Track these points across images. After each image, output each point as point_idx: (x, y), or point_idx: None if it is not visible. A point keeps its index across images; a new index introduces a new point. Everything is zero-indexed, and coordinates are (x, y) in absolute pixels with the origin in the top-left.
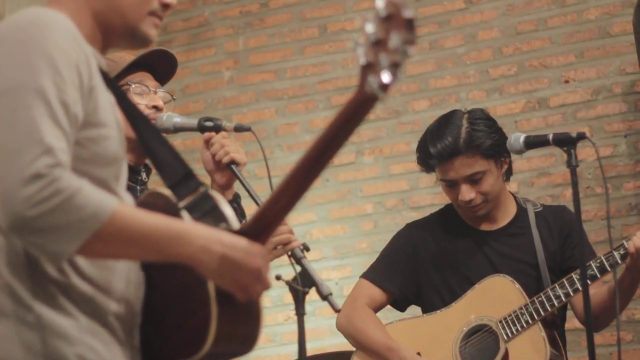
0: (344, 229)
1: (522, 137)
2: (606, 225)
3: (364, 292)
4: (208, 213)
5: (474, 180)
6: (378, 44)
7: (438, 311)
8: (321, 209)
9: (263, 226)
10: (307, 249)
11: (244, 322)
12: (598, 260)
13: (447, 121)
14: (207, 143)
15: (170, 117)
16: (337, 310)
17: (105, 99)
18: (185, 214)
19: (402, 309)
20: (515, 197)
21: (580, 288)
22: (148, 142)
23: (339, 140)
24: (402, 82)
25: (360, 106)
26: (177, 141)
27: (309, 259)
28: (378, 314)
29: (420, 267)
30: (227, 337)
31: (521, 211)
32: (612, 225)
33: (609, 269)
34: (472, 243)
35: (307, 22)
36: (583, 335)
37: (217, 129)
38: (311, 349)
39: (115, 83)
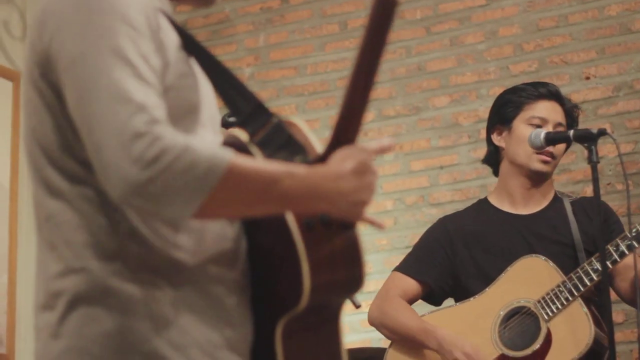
0: (364, 225)
1: (542, 134)
2: (627, 222)
3: (397, 284)
4: (283, 147)
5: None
6: None
7: (471, 298)
8: None
9: (341, 147)
10: None
11: (343, 264)
12: (634, 230)
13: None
14: None
15: None
16: (357, 306)
17: (174, 45)
18: (255, 149)
19: (437, 302)
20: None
21: (618, 259)
22: (213, 78)
23: (374, 58)
24: (422, 78)
25: (380, 10)
26: None
27: None
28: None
29: (455, 257)
30: (326, 285)
31: (557, 198)
32: (633, 222)
33: None
34: (508, 227)
35: (327, 18)
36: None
37: (228, 125)
38: None
39: (179, 26)
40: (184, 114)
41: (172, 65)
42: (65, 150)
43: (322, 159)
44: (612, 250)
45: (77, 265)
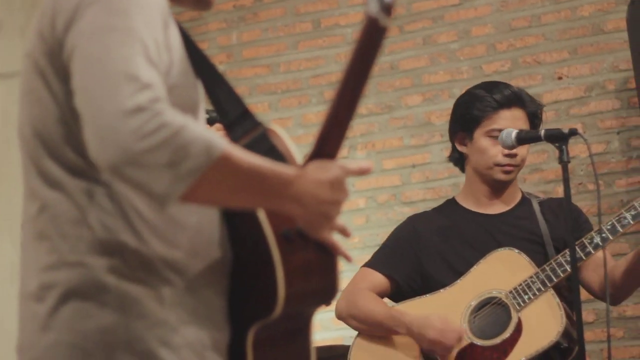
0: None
1: (514, 133)
2: (597, 222)
3: (366, 279)
4: (265, 155)
5: None
6: None
7: (442, 290)
8: None
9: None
10: None
11: (318, 274)
12: (609, 223)
13: (501, 82)
14: None
15: None
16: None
17: (177, 42)
18: None
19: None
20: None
21: (592, 251)
22: (205, 79)
23: (361, 76)
24: (395, 77)
25: (368, 34)
26: None
27: None
28: None
29: (424, 256)
30: (301, 294)
31: (525, 199)
32: (604, 222)
33: (620, 229)
34: (477, 226)
35: (300, 17)
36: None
37: (213, 121)
38: None
39: (177, 22)
40: (186, 112)
41: (176, 64)
42: (67, 142)
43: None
44: (586, 243)
45: (72, 259)
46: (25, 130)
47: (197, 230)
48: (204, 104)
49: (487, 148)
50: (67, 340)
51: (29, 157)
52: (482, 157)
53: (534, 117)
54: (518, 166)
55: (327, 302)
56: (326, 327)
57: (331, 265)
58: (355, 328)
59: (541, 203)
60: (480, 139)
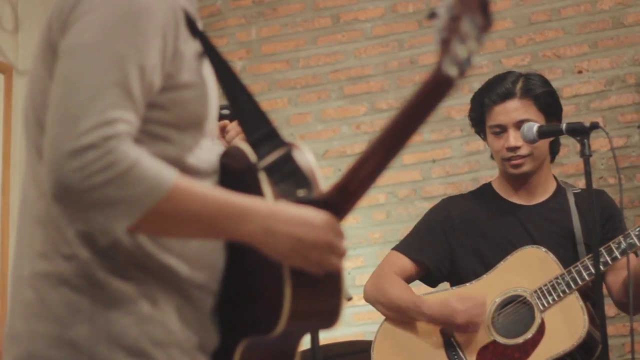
0: (356, 219)
1: (535, 127)
2: None
3: (395, 263)
4: (288, 176)
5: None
6: (453, 22)
7: (468, 284)
8: None
9: (347, 195)
10: None
11: (323, 296)
12: (637, 229)
13: (504, 74)
14: (223, 130)
15: None
16: (348, 299)
17: (191, 54)
18: (263, 175)
19: (433, 284)
20: (555, 177)
21: (619, 257)
22: (232, 94)
23: (416, 120)
24: (414, 72)
25: (435, 86)
26: None
27: None
28: None
29: (455, 241)
30: (304, 314)
31: (560, 189)
32: (625, 216)
33: None
34: (510, 217)
35: (319, 12)
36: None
37: (222, 118)
38: (323, 338)
39: (201, 32)
40: (190, 125)
41: (184, 75)
42: None
43: (323, 201)
44: (613, 247)
45: (66, 251)
46: (29, 116)
47: None
48: (214, 113)
49: (492, 145)
50: (55, 330)
51: (32, 143)
52: (493, 152)
53: (543, 103)
54: (528, 157)
55: (329, 326)
56: (347, 322)
57: (337, 287)
58: (382, 313)
59: (577, 194)
60: (488, 136)
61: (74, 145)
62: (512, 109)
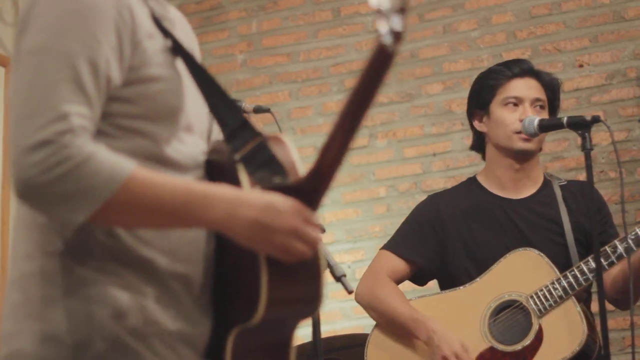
0: (357, 212)
1: (536, 120)
2: (620, 210)
3: (386, 264)
4: (264, 165)
5: (535, 107)
6: None
7: (461, 287)
8: (334, 192)
9: (320, 177)
10: (323, 231)
11: (301, 282)
12: (633, 233)
13: (519, 59)
14: None
15: None
16: (350, 292)
17: (158, 49)
18: (240, 166)
19: (422, 282)
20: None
21: (615, 261)
22: (204, 89)
23: (369, 94)
24: (415, 66)
25: (377, 59)
26: None
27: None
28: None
29: (445, 238)
30: (283, 300)
31: (547, 183)
32: (626, 210)
33: None
34: (499, 211)
35: (320, 5)
36: (596, 319)
37: None
38: (323, 331)
39: (168, 30)
40: (162, 117)
41: (151, 68)
42: None
43: (296, 187)
44: (609, 252)
45: (47, 249)
46: None
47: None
48: (195, 109)
49: (504, 117)
50: (38, 327)
51: None
52: (500, 128)
53: (550, 90)
54: (535, 137)
55: (311, 312)
56: (347, 315)
57: (316, 272)
58: (373, 319)
59: (563, 187)
60: (497, 110)
61: (30, 142)
62: (533, 86)
